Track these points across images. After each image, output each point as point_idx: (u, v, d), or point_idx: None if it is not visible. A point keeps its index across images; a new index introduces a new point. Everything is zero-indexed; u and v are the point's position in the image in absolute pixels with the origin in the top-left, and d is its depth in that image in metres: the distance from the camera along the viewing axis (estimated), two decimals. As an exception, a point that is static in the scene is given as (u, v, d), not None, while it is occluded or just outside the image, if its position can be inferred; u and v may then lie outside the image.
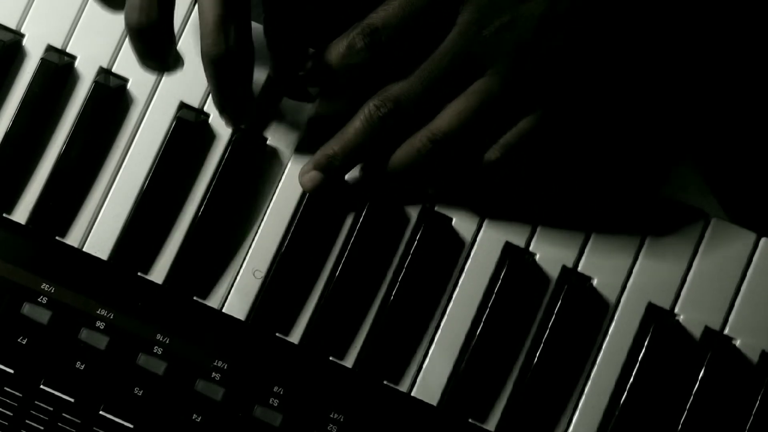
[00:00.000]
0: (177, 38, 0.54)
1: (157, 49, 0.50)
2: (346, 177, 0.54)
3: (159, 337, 0.53)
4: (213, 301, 0.54)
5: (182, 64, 0.54)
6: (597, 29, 0.49)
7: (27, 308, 0.53)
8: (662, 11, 0.51)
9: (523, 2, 0.49)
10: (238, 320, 0.54)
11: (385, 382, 0.53)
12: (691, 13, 0.55)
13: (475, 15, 0.49)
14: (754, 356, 0.53)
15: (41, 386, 0.53)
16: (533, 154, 0.51)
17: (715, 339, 0.53)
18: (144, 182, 0.54)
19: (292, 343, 0.54)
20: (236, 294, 0.54)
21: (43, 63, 0.54)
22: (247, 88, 0.52)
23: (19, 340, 0.53)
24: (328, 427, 0.53)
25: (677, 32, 0.56)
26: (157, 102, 0.55)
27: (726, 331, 0.53)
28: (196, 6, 0.52)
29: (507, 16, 0.49)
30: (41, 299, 0.53)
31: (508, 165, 0.51)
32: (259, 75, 0.54)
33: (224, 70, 0.50)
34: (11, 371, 0.53)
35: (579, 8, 0.49)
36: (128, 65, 0.55)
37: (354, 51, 0.49)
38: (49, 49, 0.55)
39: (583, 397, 0.53)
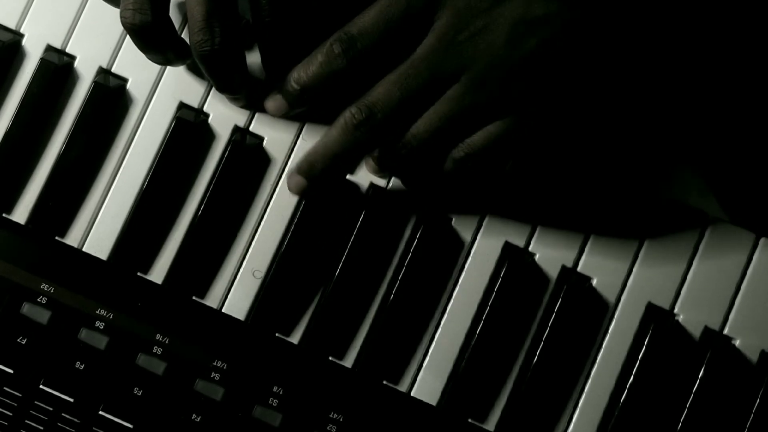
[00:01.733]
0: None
1: (156, 44, 0.50)
2: (346, 177, 0.54)
3: (158, 337, 0.53)
4: (212, 301, 0.54)
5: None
6: (573, 34, 0.49)
7: (26, 308, 0.53)
8: (652, 12, 0.51)
9: (497, 7, 0.49)
10: (238, 320, 0.54)
11: (384, 382, 0.53)
12: (686, 13, 0.55)
13: (451, 20, 0.49)
14: (753, 356, 0.53)
15: (41, 386, 0.53)
16: (505, 156, 0.52)
17: (715, 339, 0.53)
18: (143, 182, 0.54)
19: (292, 343, 0.54)
20: (236, 294, 0.54)
21: (43, 63, 0.54)
22: (241, 76, 0.52)
23: (18, 340, 0.53)
24: (328, 427, 0.53)
25: (672, 33, 0.56)
26: (157, 102, 0.55)
27: (725, 331, 0.53)
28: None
29: (481, 21, 0.49)
30: (41, 299, 0.53)
31: (471, 167, 0.51)
32: (260, 75, 0.54)
33: (214, 64, 0.50)
34: (11, 371, 0.53)
35: (553, 13, 0.48)
36: (128, 65, 0.55)
37: (331, 58, 0.50)
38: (49, 49, 0.55)
39: (583, 397, 0.53)
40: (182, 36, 0.53)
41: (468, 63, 0.49)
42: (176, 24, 0.53)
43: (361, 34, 0.49)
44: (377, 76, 0.51)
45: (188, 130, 0.54)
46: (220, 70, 0.51)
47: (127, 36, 0.55)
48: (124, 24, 0.49)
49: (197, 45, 0.49)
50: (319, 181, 0.52)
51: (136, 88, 0.55)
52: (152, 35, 0.50)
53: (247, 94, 0.53)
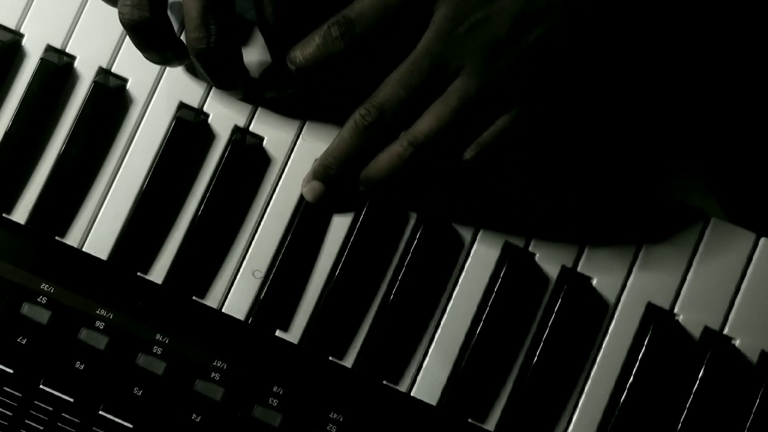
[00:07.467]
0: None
1: (154, 42, 0.50)
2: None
3: (158, 337, 0.53)
4: (212, 301, 0.54)
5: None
6: (576, 26, 0.49)
7: (26, 308, 0.53)
8: (653, 8, 0.51)
9: None
10: (238, 320, 0.54)
11: (384, 382, 0.53)
12: (688, 12, 0.55)
13: (450, 12, 0.49)
14: (753, 356, 0.53)
15: (41, 386, 0.53)
16: (511, 151, 0.51)
17: (715, 339, 0.53)
18: (143, 182, 0.54)
19: (292, 343, 0.54)
20: (235, 294, 0.54)
21: (43, 63, 0.54)
22: (238, 72, 0.52)
23: (18, 340, 0.53)
24: (328, 427, 0.53)
25: (674, 30, 0.56)
26: (157, 102, 0.55)
27: (725, 331, 0.53)
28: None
29: (481, 12, 0.48)
30: (41, 299, 0.53)
31: (483, 163, 0.51)
32: (257, 70, 0.54)
33: (210, 61, 0.50)
34: (11, 371, 0.53)
35: (555, 5, 0.48)
36: (128, 65, 0.55)
37: (329, 41, 0.49)
38: (49, 49, 0.55)
39: (583, 397, 0.53)
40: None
41: (469, 55, 0.49)
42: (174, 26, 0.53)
43: (360, 18, 0.49)
44: (382, 69, 0.50)
45: (188, 130, 0.54)
46: (216, 68, 0.50)
47: (127, 36, 0.55)
48: (122, 21, 0.49)
49: (193, 42, 0.49)
50: (336, 182, 0.52)
51: (136, 88, 0.55)
52: (150, 32, 0.50)
53: (246, 87, 0.53)
